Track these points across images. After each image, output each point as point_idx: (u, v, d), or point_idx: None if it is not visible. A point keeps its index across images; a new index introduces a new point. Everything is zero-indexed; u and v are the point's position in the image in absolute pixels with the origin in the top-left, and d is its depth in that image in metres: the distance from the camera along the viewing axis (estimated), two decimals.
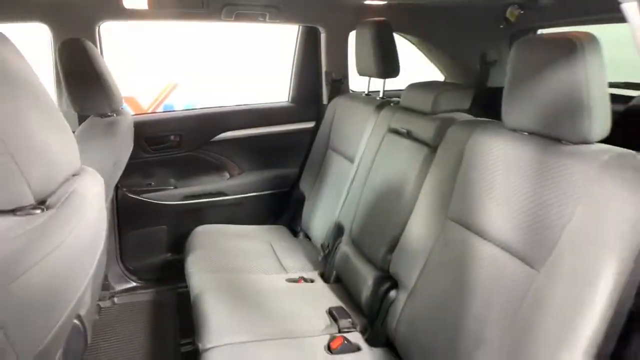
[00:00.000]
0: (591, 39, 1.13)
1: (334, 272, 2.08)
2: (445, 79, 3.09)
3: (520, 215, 1.24)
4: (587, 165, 1.11)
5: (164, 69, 4.65)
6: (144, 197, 2.50)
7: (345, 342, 1.63)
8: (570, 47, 1.12)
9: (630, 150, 1.12)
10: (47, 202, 0.72)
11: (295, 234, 2.63)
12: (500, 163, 1.34)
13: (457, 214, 1.45)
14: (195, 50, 4.56)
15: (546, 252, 1.14)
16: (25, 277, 0.60)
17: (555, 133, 1.21)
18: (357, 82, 2.72)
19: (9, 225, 0.65)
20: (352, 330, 1.73)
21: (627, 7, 0.86)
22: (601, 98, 1.12)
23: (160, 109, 4.73)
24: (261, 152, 2.75)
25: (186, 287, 2.05)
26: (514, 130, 1.34)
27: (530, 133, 1.29)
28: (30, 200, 0.68)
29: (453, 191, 1.49)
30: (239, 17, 2.30)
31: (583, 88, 1.11)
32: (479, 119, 1.64)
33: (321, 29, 2.63)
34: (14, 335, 0.58)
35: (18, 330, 0.59)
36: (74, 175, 0.83)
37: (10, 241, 0.62)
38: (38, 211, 0.69)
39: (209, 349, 1.53)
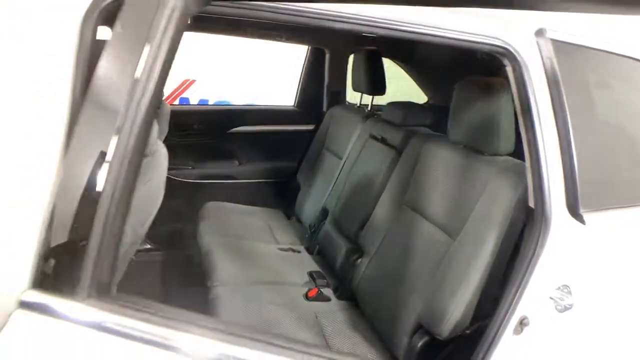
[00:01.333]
0: (503, 83, 1.64)
1: (317, 247, 2.59)
2: (428, 99, 3.62)
3: (449, 202, 1.76)
4: (492, 169, 1.62)
5: (184, 65, 5.11)
6: (167, 174, 3.01)
7: (319, 293, 2.15)
8: (488, 89, 1.64)
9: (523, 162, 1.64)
10: (146, 152, 1.23)
11: (288, 217, 3.14)
12: (442, 165, 1.86)
13: (410, 201, 1.97)
14: (216, 51, 5.04)
15: (460, 226, 1.65)
16: (144, 187, 1.11)
17: (478, 147, 1.72)
18: (353, 95, 3.25)
19: None
20: (326, 287, 2.24)
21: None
22: (508, 124, 1.63)
23: (175, 102, 5.21)
24: (267, 146, 3.26)
25: (193, 252, 2.54)
26: (455, 142, 1.85)
27: (464, 145, 1.81)
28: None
29: (409, 184, 2.00)
30: (262, 35, 2.84)
31: (495, 117, 1.62)
32: (433, 133, 2.16)
33: (326, 50, 3.17)
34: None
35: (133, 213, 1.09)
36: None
37: None
38: (145, 158, 1.21)
39: (216, 286, 2.04)
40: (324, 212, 2.64)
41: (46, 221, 0.79)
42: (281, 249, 2.57)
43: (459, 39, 1.27)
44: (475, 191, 1.64)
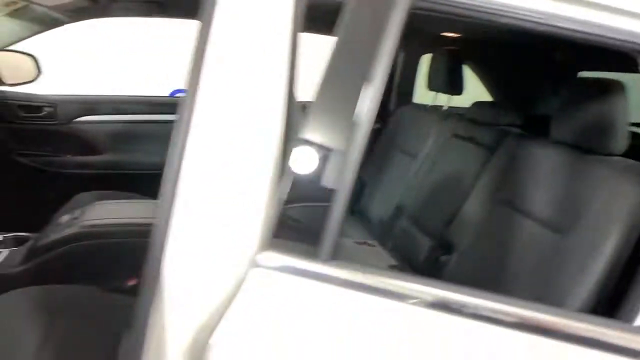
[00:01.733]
0: (620, 84, 1.66)
1: (391, 242, 2.61)
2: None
3: (556, 199, 1.77)
4: (610, 168, 1.64)
5: None
6: None
7: None
8: (605, 89, 1.66)
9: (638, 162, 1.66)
10: None
11: (351, 213, 3.15)
12: (546, 163, 1.87)
13: (507, 198, 1.98)
14: None
15: (571, 224, 1.66)
16: None
17: (590, 146, 1.73)
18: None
19: None
20: None
21: None
22: (623, 124, 1.65)
23: None
24: None
25: None
26: (558, 142, 1.86)
27: (570, 145, 1.82)
28: None
29: (505, 183, 2.02)
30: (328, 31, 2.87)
31: (612, 117, 1.64)
32: (528, 134, 2.18)
33: (401, 50, 3.19)
34: None
35: None
36: None
37: None
38: None
39: None
40: (399, 210, 2.66)
41: (275, 193, 0.83)
42: (357, 243, 2.59)
43: (598, 35, 1.28)
44: (591, 189, 1.66)
